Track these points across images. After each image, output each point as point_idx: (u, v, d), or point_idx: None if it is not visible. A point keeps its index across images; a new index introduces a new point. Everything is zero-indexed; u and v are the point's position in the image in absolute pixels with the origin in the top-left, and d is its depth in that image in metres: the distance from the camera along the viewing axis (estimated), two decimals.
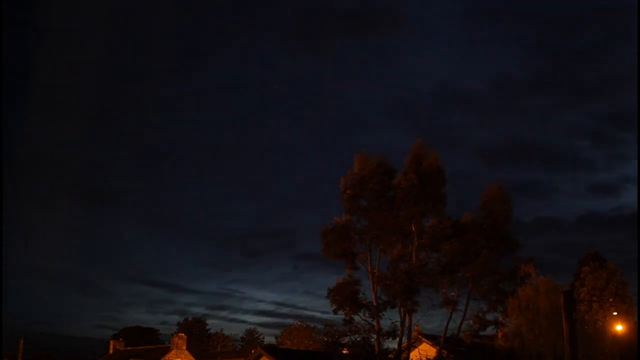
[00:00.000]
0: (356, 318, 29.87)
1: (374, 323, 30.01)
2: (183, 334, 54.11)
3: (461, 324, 30.50)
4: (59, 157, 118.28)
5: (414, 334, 33.27)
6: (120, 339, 60.05)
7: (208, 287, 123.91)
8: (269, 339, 77.16)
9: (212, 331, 77.27)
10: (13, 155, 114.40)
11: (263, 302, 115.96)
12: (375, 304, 30.09)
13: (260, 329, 79.12)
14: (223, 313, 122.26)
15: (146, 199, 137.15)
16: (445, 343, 30.74)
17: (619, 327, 28.32)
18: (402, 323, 29.99)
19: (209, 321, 78.59)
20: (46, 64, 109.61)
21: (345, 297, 29.56)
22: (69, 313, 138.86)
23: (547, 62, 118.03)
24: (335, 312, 29.84)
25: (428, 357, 30.99)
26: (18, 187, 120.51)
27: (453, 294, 30.54)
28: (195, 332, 72.78)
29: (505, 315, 29.26)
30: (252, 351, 39.49)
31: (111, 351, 57.59)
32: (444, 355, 30.30)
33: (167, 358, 50.01)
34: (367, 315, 29.88)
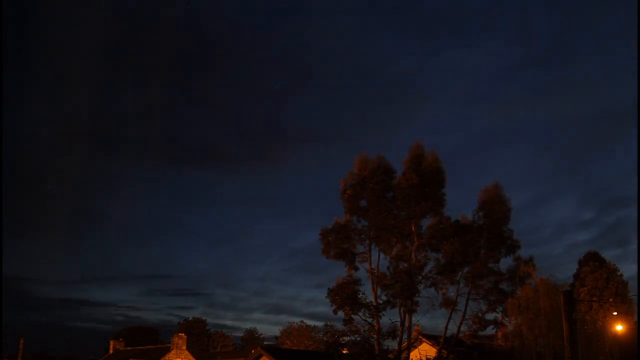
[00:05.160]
0: (356, 318, 29.91)
1: (374, 323, 30.01)
2: (183, 334, 54.15)
3: (461, 324, 30.50)
4: None
5: (414, 334, 33.21)
6: (120, 339, 60.06)
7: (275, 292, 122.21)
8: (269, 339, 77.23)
9: (212, 331, 77.42)
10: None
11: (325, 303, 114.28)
12: (375, 304, 30.09)
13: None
14: (281, 316, 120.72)
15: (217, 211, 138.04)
16: (445, 343, 30.73)
17: (619, 327, 28.32)
18: (402, 323, 30.00)
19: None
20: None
21: (345, 297, 29.56)
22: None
23: None
24: (335, 312, 29.84)
25: (428, 357, 30.98)
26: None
27: (453, 294, 30.61)
28: (195, 332, 72.87)
29: (505, 315, 29.25)
30: (252, 351, 39.48)
31: (111, 351, 57.62)
32: (444, 355, 30.30)
33: (167, 358, 50.05)
34: (367, 315, 29.88)
